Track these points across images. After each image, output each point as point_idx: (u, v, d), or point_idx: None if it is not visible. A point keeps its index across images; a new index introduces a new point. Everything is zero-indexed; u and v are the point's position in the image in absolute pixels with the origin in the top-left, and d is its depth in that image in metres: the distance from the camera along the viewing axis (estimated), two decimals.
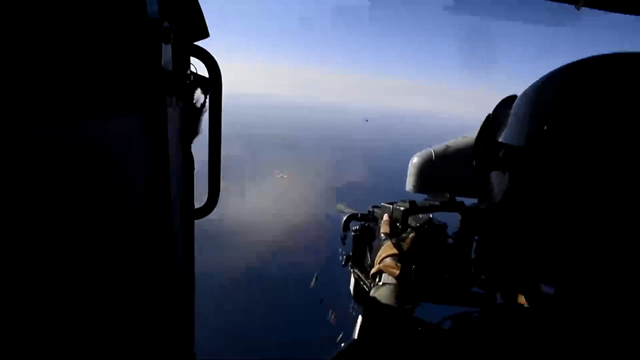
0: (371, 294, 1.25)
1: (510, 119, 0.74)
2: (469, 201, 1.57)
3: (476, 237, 1.41)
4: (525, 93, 0.72)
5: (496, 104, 0.86)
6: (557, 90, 0.65)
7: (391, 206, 1.45)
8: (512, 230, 0.71)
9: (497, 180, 0.73)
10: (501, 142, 0.73)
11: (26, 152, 0.54)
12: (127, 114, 0.84)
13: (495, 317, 0.75)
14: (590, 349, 0.59)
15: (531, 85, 0.72)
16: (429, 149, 1.73)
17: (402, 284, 1.20)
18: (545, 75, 0.69)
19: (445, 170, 1.71)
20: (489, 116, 0.84)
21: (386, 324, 1.12)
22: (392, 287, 1.20)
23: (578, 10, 1.22)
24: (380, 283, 1.25)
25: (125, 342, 0.90)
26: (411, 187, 1.75)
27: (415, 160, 1.75)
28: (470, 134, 1.67)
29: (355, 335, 1.55)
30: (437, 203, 1.42)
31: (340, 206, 1.67)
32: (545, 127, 0.62)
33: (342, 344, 1.60)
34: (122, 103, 0.82)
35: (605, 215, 0.58)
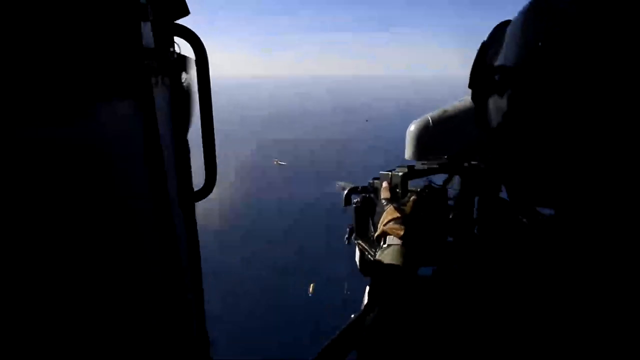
0: (377, 256, 1.26)
1: (504, 43, 0.72)
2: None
3: (476, 198, 1.42)
4: (519, 15, 0.71)
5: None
6: (556, 6, 0.63)
7: (390, 173, 1.44)
8: (512, 153, 0.71)
9: (495, 105, 0.73)
10: (497, 66, 0.72)
11: (16, 147, 0.54)
12: (111, 97, 0.82)
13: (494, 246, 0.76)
14: (587, 266, 0.60)
15: (524, 6, 0.70)
16: (426, 115, 1.71)
17: (407, 244, 1.20)
18: None
19: (443, 136, 1.69)
20: (483, 42, 0.82)
21: (394, 283, 1.13)
22: (397, 247, 1.20)
23: None
24: (385, 245, 1.25)
25: (129, 338, 0.91)
26: (410, 155, 1.73)
27: (412, 128, 1.73)
28: (466, 97, 1.64)
29: (365, 300, 1.56)
30: (435, 166, 1.41)
31: (341, 183, 1.67)
32: (539, 44, 0.61)
33: (352, 315, 1.62)
34: (106, 86, 0.80)
35: (601, 134, 0.58)
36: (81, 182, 0.76)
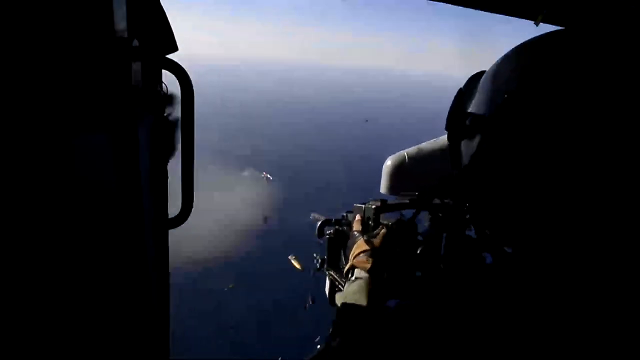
0: (344, 289, 1.28)
1: (477, 91, 0.80)
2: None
3: (444, 235, 1.47)
4: (491, 67, 0.79)
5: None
6: (516, 64, 0.72)
7: (363, 206, 1.47)
8: (478, 193, 0.77)
9: (466, 147, 0.79)
10: (469, 112, 0.79)
11: None
12: (97, 134, 0.82)
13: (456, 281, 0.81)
14: (542, 299, 0.65)
15: (497, 60, 0.78)
16: (402, 151, 1.76)
17: (374, 278, 1.23)
18: (510, 50, 0.76)
19: (418, 172, 1.74)
20: (460, 90, 0.89)
21: (358, 315, 1.15)
22: (363, 281, 1.22)
23: (537, 26, 1.26)
24: (353, 278, 1.28)
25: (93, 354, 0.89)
26: (386, 190, 1.77)
27: (388, 162, 1.77)
28: (442, 137, 1.70)
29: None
30: (406, 201, 1.45)
31: (315, 215, 1.68)
32: (505, 96, 0.69)
33: (318, 347, 1.62)
34: (92, 123, 0.80)
35: (558, 180, 0.64)
36: (56, 206, 0.76)
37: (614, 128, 0.62)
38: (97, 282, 0.96)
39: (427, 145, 1.76)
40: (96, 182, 0.89)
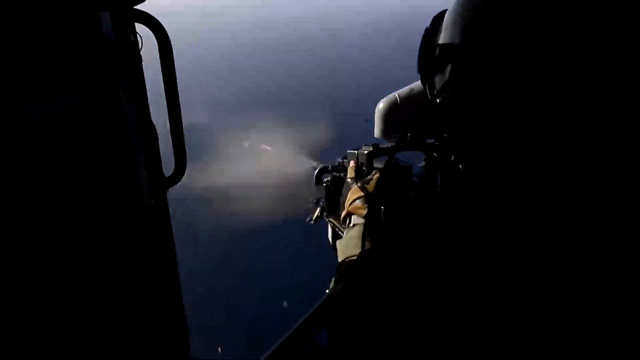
0: (344, 235, 1.31)
1: (443, 25, 0.80)
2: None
3: (439, 173, 1.47)
4: (454, 1, 0.78)
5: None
6: None
7: (356, 151, 1.47)
8: (455, 121, 0.78)
9: (439, 81, 0.80)
10: (437, 45, 0.79)
11: None
12: (75, 91, 0.81)
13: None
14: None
15: None
16: (394, 93, 1.73)
17: (370, 223, 1.24)
18: None
19: (411, 114, 1.71)
20: (426, 29, 0.89)
21: (359, 258, 1.19)
22: (361, 226, 1.24)
23: None
24: (351, 225, 1.30)
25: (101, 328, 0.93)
26: (379, 133, 1.76)
27: (381, 106, 1.75)
28: None
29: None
30: (400, 144, 1.45)
31: (313, 163, 1.69)
32: (474, 22, 0.70)
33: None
34: (69, 80, 0.79)
35: (532, 100, 0.65)
36: (44, 175, 0.76)
37: (587, 43, 0.61)
38: (96, 246, 0.98)
39: (418, 85, 1.72)
40: (83, 145, 0.89)
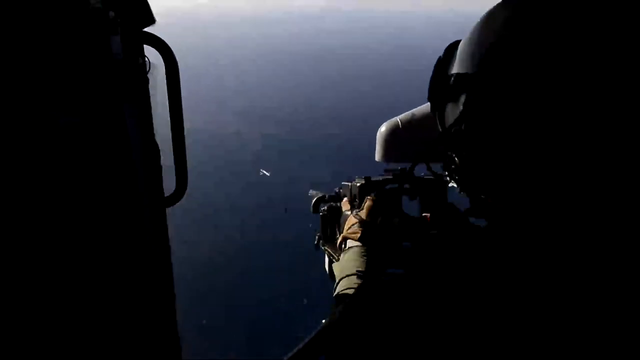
0: (340, 258, 1.35)
1: (457, 55, 0.80)
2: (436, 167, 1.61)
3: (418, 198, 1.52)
4: (469, 32, 0.78)
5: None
6: (502, 17, 0.71)
7: (350, 184, 1.54)
8: (468, 152, 0.77)
9: (452, 110, 0.79)
10: (450, 74, 0.79)
11: None
12: (83, 112, 0.81)
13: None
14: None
15: (474, 25, 0.78)
16: (395, 118, 1.75)
17: (365, 245, 1.31)
18: (488, 11, 0.76)
19: (412, 139, 1.73)
20: (439, 58, 0.89)
21: (360, 281, 1.20)
22: (356, 248, 1.31)
23: None
24: (346, 249, 1.36)
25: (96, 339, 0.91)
26: (380, 157, 1.77)
27: (382, 129, 1.76)
28: None
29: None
30: (389, 176, 1.51)
31: (313, 192, 1.73)
32: (491, 45, 0.69)
33: (323, 321, 1.65)
34: (77, 100, 0.79)
35: (551, 133, 0.64)
36: (45, 188, 0.76)
37: (607, 75, 0.61)
38: (95, 263, 0.97)
39: (420, 110, 1.75)
40: (86, 163, 0.89)
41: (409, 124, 1.71)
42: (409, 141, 1.66)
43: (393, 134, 1.70)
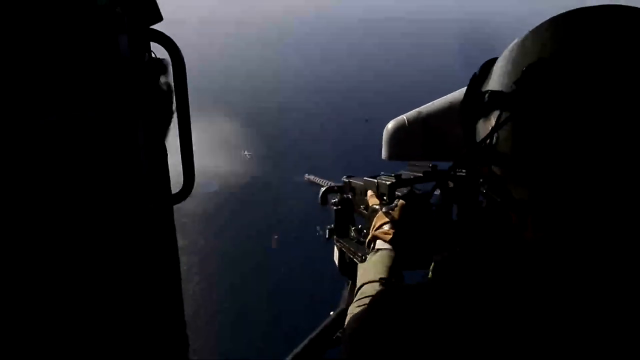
0: (368, 259, 1.33)
1: (493, 73, 0.82)
2: (444, 165, 1.60)
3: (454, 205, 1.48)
4: (506, 51, 0.81)
5: None
6: (542, 40, 0.72)
7: (375, 180, 1.50)
8: (506, 164, 0.78)
9: (483, 125, 0.81)
10: (485, 91, 0.81)
11: None
12: (90, 109, 0.82)
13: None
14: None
15: (511, 44, 0.80)
16: (402, 116, 1.74)
17: (395, 248, 1.29)
18: (531, 30, 0.77)
19: (418, 137, 1.73)
20: (474, 74, 0.91)
21: (383, 285, 1.19)
22: (386, 252, 1.29)
23: None
24: (375, 249, 1.34)
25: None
26: (386, 155, 1.77)
27: (389, 127, 1.76)
28: (441, 100, 1.68)
29: (343, 304, 1.60)
30: (420, 174, 1.48)
31: (310, 177, 1.71)
32: (530, 72, 0.69)
33: (331, 312, 1.65)
34: (85, 98, 0.80)
35: (592, 153, 0.65)
36: (52, 183, 0.77)
37: None
38: (102, 259, 0.98)
39: (425, 108, 1.74)
40: (93, 161, 0.90)
41: (415, 121, 1.71)
42: (415, 139, 1.66)
43: (399, 132, 1.69)
